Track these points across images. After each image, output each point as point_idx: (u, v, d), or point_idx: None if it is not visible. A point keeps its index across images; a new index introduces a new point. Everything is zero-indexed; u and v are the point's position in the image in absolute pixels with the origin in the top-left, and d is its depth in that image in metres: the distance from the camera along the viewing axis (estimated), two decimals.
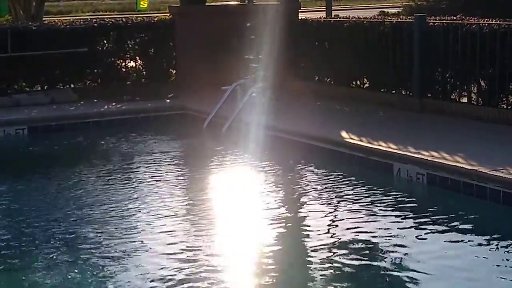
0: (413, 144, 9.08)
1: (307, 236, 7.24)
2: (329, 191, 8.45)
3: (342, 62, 13.01)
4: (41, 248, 6.76)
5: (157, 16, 15.81)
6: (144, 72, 14.32)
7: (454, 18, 11.56)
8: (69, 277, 6.10)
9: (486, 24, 10.65)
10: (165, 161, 10.03)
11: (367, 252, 6.57)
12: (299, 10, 14.84)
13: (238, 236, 7.21)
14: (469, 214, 7.49)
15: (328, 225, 7.36)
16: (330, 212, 7.75)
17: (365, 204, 7.88)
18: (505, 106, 10.60)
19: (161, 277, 6.08)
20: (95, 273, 6.18)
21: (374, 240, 6.83)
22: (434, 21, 11.62)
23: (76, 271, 6.21)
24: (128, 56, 14.27)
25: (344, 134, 9.99)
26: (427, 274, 6.07)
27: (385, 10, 22.94)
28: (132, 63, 14.39)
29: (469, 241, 6.83)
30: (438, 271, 6.15)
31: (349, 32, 12.88)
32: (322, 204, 8.02)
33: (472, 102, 11.08)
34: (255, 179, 9.16)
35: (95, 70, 13.96)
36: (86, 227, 7.31)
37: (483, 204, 7.70)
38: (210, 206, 8.13)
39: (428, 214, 7.50)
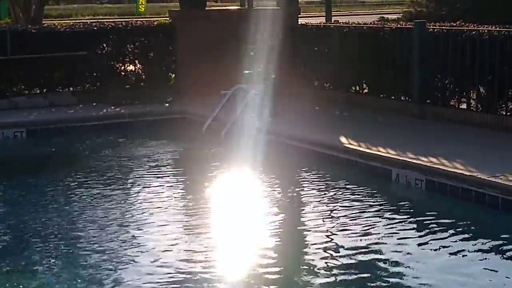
0: (412, 150, 9.08)
1: (305, 241, 7.22)
2: (328, 196, 8.44)
3: (342, 67, 13.01)
4: (36, 252, 6.75)
5: (156, 20, 15.79)
6: (144, 76, 14.31)
7: (454, 24, 11.57)
8: (61, 278, 6.10)
9: (486, 31, 10.65)
10: (164, 165, 10.02)
11: (366, 257, 6.55)
12: (299, 15, 14.86)
13: (236, 241, 7.20)
14: (467, 220, 7.48)
15: (326, 231, 7.34)
16: (329, 218, 7.73)
17: (363, 209, 7.87)
18: (504, 113, 10.60)
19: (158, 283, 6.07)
20: (91, 275, 6.18)
21: (372, 245, 6.81)
22: (433, 27, 11.63)
23: (75, 273, 6.20)
24: (128, 59, 14.25)
25: (343, 139, 9.98)
26: (425, 280, 6.06)
27: (385, 16, 22.93)
28: (131, 67, 14.38)
29: (468, 247, 6.80)
30: (437, 277, 6.13)
31: (349, 37, 12.89)
32: (321, 209, 8.00)
33: (471, 108, 11.08)
34: (254, 184, 9.15)
35: (94, 74, 13.95)
36: (83, 230, 7.29)
37: (481, 210, 7.69)
38: (208, 210, 8.11)
39: (426, 220, 7.49)
